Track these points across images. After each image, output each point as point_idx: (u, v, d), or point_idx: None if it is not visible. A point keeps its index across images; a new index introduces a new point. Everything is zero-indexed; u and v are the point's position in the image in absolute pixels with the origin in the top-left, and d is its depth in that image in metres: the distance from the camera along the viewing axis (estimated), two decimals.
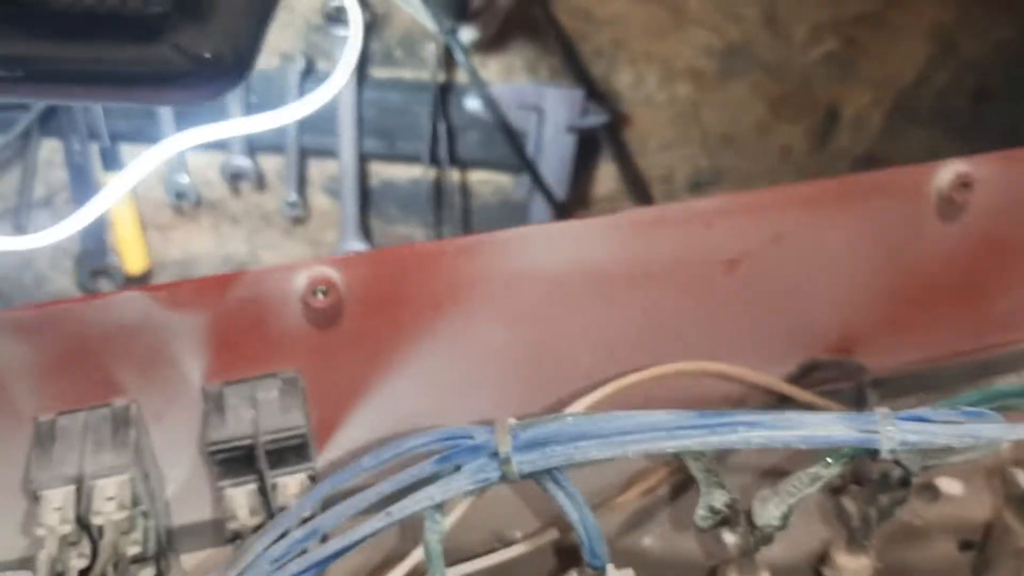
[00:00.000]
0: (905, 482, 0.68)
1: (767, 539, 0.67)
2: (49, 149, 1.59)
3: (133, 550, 0.67)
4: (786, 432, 0.61)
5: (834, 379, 0.91)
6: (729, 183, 1.68)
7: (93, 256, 1.65)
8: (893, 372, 0.94)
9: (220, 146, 1.60)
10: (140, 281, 1.71)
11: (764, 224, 0.83)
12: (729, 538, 0.68)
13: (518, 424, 0.63)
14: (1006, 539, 0.78)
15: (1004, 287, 0.97)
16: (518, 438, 0.62)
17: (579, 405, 0.71)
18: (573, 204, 1.69)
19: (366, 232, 1.69)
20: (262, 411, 0.72)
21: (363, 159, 1.64)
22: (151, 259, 1.69)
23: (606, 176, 1.68)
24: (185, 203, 1.63)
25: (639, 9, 1.63)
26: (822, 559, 0.75)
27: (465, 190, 1.69)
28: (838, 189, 0.86)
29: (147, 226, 1.67)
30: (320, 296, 0.72)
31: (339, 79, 0.68)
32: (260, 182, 1.66)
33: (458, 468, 0.63)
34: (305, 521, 0.65)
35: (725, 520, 0.67)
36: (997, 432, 0.61)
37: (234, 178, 1.63)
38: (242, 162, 1.61)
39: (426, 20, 1.56)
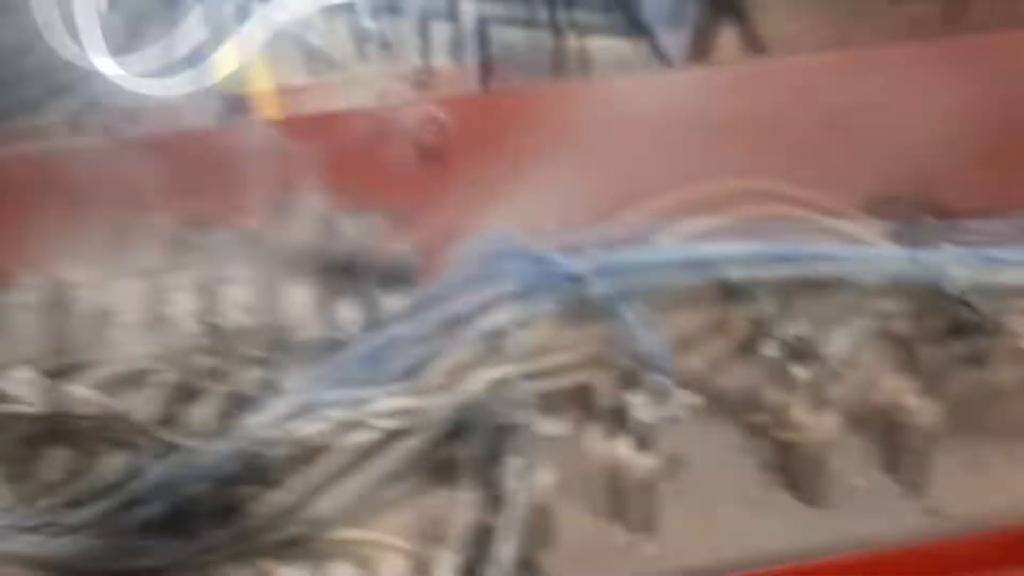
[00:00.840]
0: (978, 327, 0.70)
1: (835, 374, 0.71)
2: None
3: (253, 353, 0.76)
4: (854, 265, 0.64)
5: (914, 214, 0.93)
6: None
7: (234, 111, 1.72)
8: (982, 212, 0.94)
9: (348, 9, 1.64)
10: None
11: (871, 79, 0.85)
12: (800, 373, 0.72)
13: (599, 251, 0.67)
14: None
15: None
16: (598, 263, 0.67)
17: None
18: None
19: None
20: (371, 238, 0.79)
21: (482, 22, 1.65)
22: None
23: (729, 44, 1.66)
24: (316, 64, 1.69)
25: None
26: (895, 406, 0.77)
27: (584, 57, 1.70)
28: (951, 49, 0.86)
29: (282, 86, 1.73)
30: (431, 134, 0.78)
31: None
32: (386, 44, 1.69)
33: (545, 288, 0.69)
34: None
35: (795, 354, 0.70)
36: None
37: (360, 40, 1.67)
38: (368, 24, 1.65)
39: None
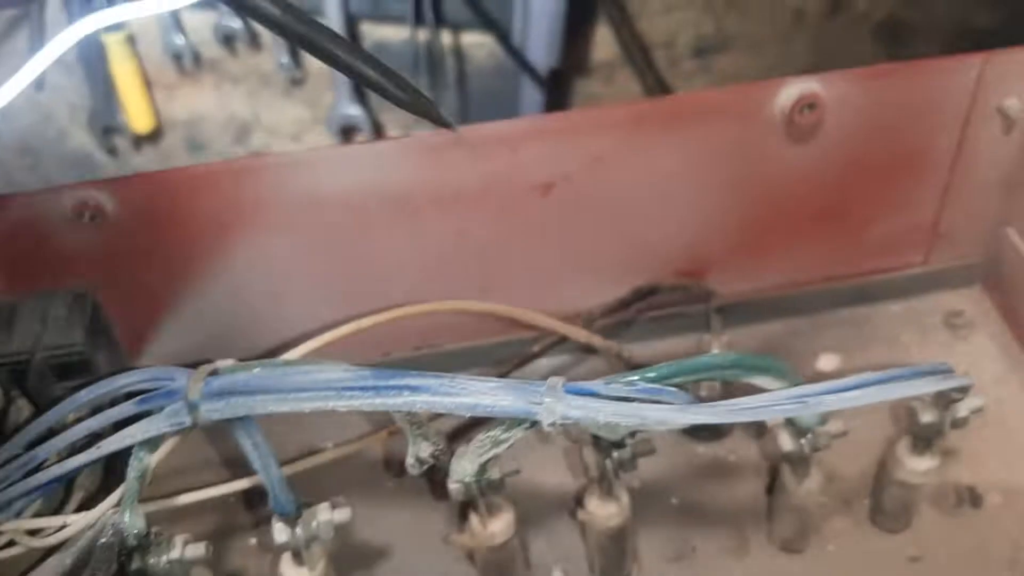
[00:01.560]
0: (619, 444, 0.66)
1: (494, 487, 0.67)
2: (55, 9, 1.63)
3: None
4: (451, 399, 0.60)
5: (680, 302, 0.88)
6: (737, 50, 1.56)
7: (103, 115, 1.71)
8: (751, 297, 0.89)
9: (213, 6, 1.60)
10: (149, 139, 1.77)
11: (577, 147, 0.78)
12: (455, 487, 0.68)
13: (213, 371, 0.63)
14: (783, 494, 0.74)
15: (872, 211, 0.88)
16: (210, 385, 0.63)
17: (298, 351, 0.70)
18: (569, 71, 1.62)
19: (362, 96, 1.68)
20: (49, 326, 0.75)
21: (351, 19, 1.61)
22: (159, 118, 1.74)
23: (604, 41, 1.59)
24: (184, 63, 1.66)
25: None
26: (577, 501, 0.74)
27: (459, 53, 1.64)
28: (664, 110, 0.79)
29: (154, 85, 1.71)
30: (87, 219, 0.74)
31: None
32: (254, 42, 1.66)
33: (161, 409, 0.65)
34: (31, 447, 0.69)
35: (434, 468, 0.67)
36: (663, 415, 0.58)
37: (227, 39, 1.64)
38: (232, 23, 1.61)
39: None
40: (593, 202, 0.80)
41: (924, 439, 0.72)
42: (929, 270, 0.92)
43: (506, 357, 0.86)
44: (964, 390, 0.67)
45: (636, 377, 0.59)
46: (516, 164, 0.77)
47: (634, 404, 0.58)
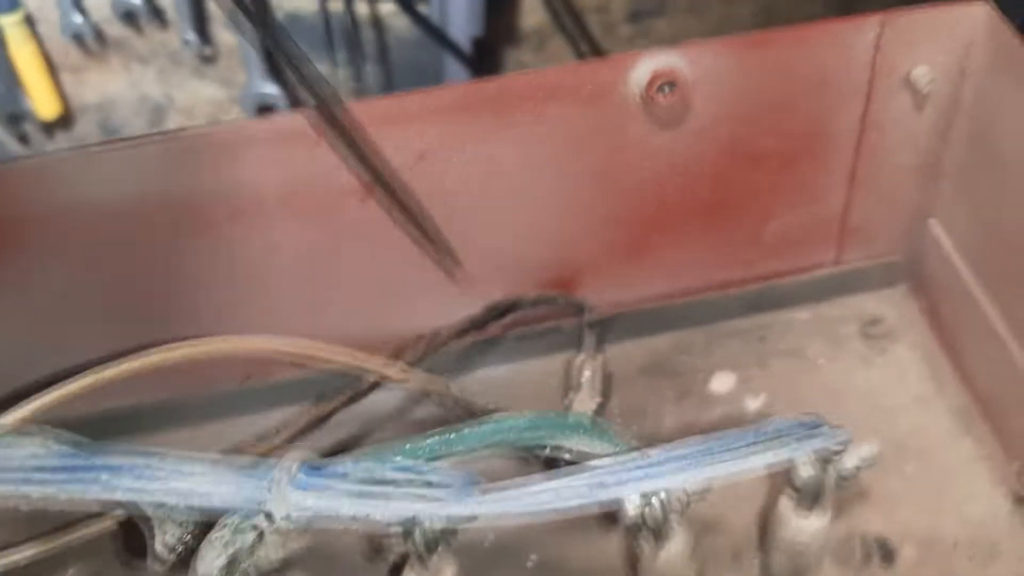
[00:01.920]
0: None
1: None
2: None
3: None
4: (158, 484, 0.48)
5: (548, 317, 0.75)
6: (677, 12, 1.42)
7: (6, 101, 1.59)
8: (632, 308, 0.76)
9: None
10: (61, 125, 1.66)
11: (392, 141, 0.65)
12: None
13: None
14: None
15: (768, 204, 0.74)
16: None
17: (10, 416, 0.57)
18: (496, 39, 1.48)
19: (277, 73, 1.55)
20: None
21: None
22: (69, 102, 1.62)
23: (533, 7, 1.45)
24: (87, 43, 1.54)
25: None
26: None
27: (377, 24, 1.51)
28: (494, 94, 0.65)
29: (59, 68, 1.59)
30: None
31: None
32: (159, 19, 1.53)
33: None
34: None
35: (188, 553, 0.55)
36: (424, 507, 0.45)
37: (128, 15, 1.51)
38: None
39: None
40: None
41: (808, 496, 0.59)
42: (840, 271, 0.79)
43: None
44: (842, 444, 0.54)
45: (395, 454, 0.46)
46: (318, 164, 0.64)
47: (386, 491, 0.45)
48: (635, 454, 0.44)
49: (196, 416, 0.77)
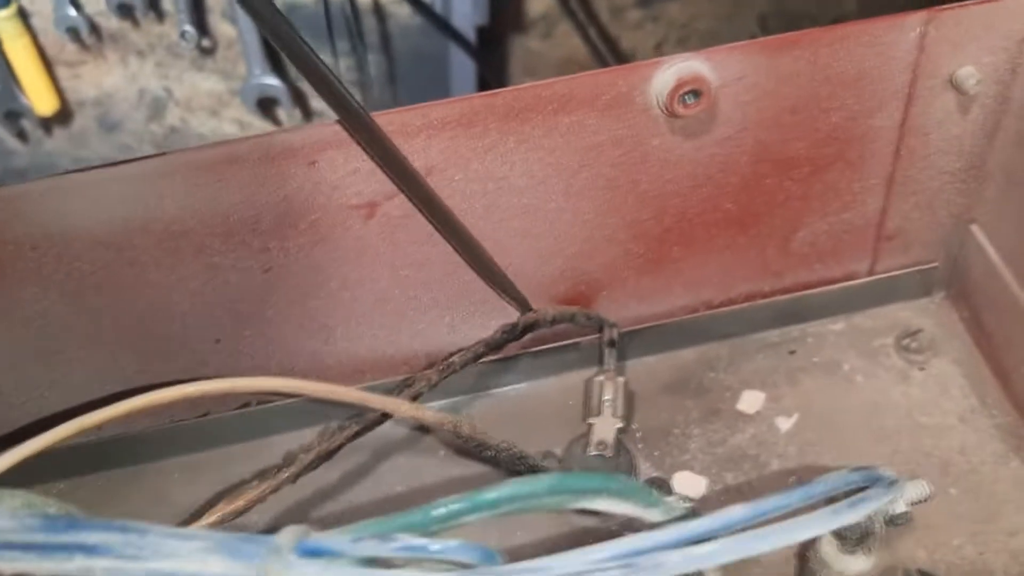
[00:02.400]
0: None
1: None
2: None
3: None
4: (139, 564, 0.43)
5: (568, 335, 0.71)
6: None
7: (2, 98, 1.56)
8: (656, 323, 0.72)
9: None
10: (59, 121, 1.62)
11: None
12: None
13: None
14: None
15: (799, 212, 0.70)
16: None
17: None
18: (501, 26, 1.43)
19: (277, 64, 1.50)
20: None
21: None
22: (67, 98, 1.58)
23: None
24: (82, 37, 1.50)
25: None
26: None
27: (379, 12, 1.46)
28: (505, 105, 0.61)
29: (55, 63, 1.55)
30: None
31: None
32: (156, 10, 1.48)
33: None
34: None
35: None
36: None
37: (122, 8, 1.47)
38: None
39: None
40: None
41: (854, 539, 0.54)
42: (876, 280, 0.74)
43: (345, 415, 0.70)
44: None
45: (400, 528, 0.42)
46: (318, 181, 0.59)
47: (391, 573, 0.41)
48: (671, 530, 0.40)
49: (193, 443, 0.73)
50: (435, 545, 0.40)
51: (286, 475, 0.63)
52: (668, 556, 0.38)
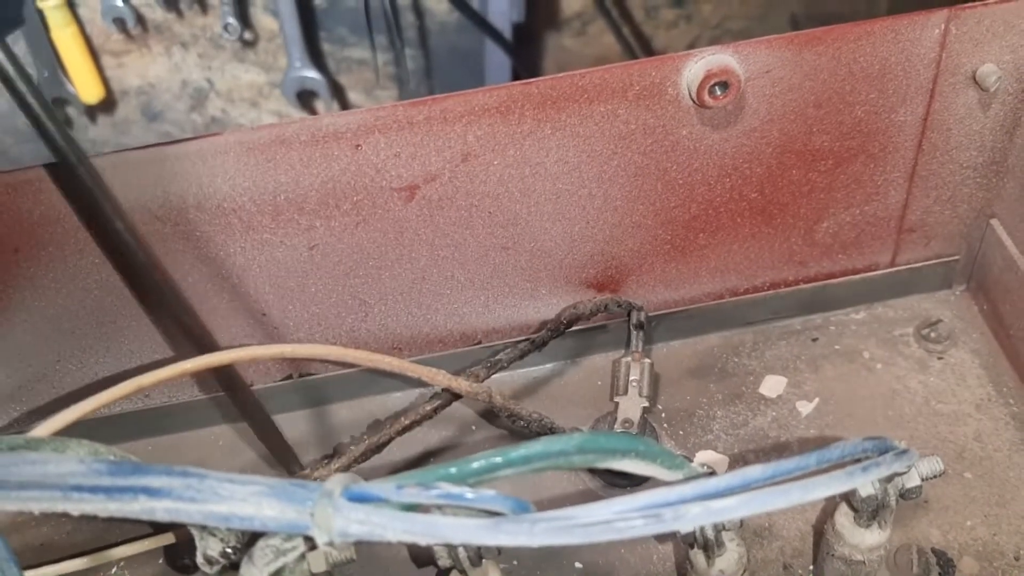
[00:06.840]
0: None
1: None
2: None
3: None
4: (198, 506, 0.47)
5: (604, 316, 0.73)
6: None
7: (50, 86, 1.60)
8: (682, 308, 0.74)
9: None
10: (103, 109, 1.67)
11: (436, 141, 0.64)
12: None
13: None
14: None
15: (823, 204, 0.72)
16: None
17: (49, 425, 0.56)
18: (537, 23, 1.46)
19: (317, 57, 1.54)
20: None
21: None
22: (111, 87, 1.63)
23: None
24: (128, 27, 1.54)
25: None
26: None
27: (418, 9, 1.49)
28: (540, 94, 0.64)
29: (101, 52, 1.60)
30: None
31: None
32: (200, 3, 1.52)
33: None
34: None
35: (231, 566, 0.55)
36: (468, 534, 0.44)
37: (167, 0, 1.51)
38: None
39: None
40: (469, 206, 0.66)
41: (868, 512, 0.57)
42: (897, 271, 0.76)
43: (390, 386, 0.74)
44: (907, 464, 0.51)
45: (440, 478, 0.45)
46: (362, 164, 0.62)
47: (432, 519, 0.44)
48: (693, 485, 0.42)
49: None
50: (472, 494, 0.43)
51: (335, 467, 0.66)
52: (689, 508, 0.41)
